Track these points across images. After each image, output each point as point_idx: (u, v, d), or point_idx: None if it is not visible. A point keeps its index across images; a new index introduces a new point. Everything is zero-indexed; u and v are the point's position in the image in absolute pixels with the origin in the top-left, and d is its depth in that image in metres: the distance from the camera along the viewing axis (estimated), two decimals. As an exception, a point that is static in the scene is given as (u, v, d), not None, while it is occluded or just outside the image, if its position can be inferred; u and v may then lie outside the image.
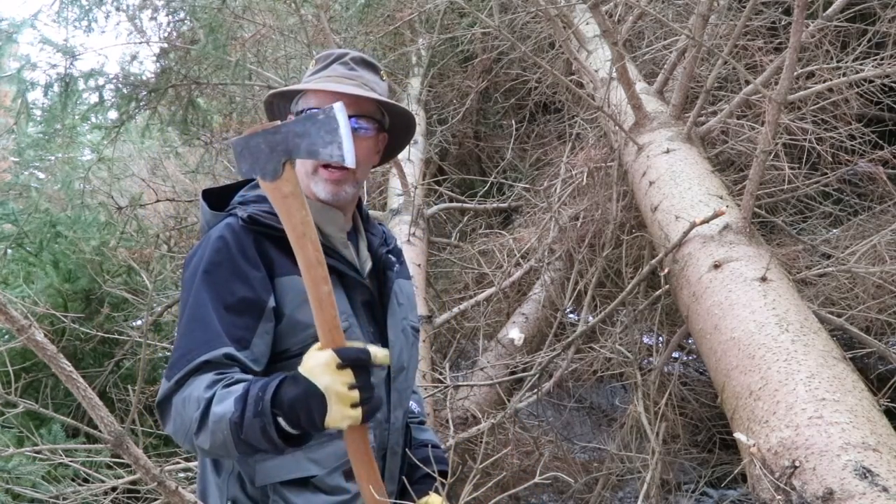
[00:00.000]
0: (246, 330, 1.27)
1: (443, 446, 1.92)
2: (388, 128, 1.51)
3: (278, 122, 1.21)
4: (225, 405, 1.17)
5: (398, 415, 1.49)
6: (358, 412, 1.14)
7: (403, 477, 1.51)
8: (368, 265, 1.49)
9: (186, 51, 5.07)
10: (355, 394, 1.14)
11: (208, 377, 1.21)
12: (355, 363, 1.16)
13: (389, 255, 1.55)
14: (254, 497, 1.33)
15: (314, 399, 1.13)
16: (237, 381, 1.21)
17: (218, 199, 1.45)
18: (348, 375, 1.15)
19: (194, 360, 1.23)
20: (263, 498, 1.33)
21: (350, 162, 1.18)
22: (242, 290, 1.28)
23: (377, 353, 1.19)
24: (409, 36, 5.60)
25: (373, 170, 1.86)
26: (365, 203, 1.61)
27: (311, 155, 1.19)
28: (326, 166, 1.38)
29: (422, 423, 1.70)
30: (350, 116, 1.36)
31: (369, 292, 1.46)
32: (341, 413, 1.13)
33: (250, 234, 1.33)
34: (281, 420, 1.14)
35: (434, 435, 1.73)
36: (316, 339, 1.23)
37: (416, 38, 5.62)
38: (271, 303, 1.30)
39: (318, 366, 1.15)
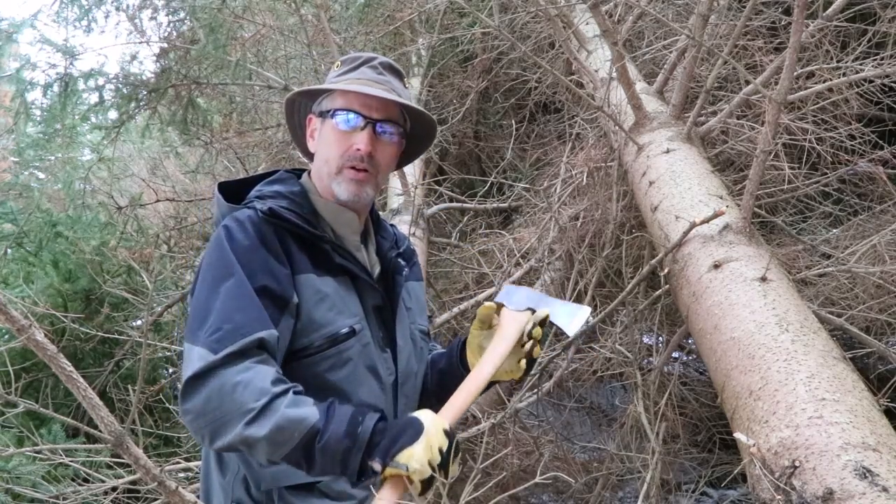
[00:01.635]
0: (274, 320, 1.26)
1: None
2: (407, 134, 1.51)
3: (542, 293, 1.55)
4: (305, 410, 1.17)
5: None
6: (427, 470, 1.15)
7: None
8: (378, 269, 1.49)
9: (186, 51, 5.07)
10: (438, 457, 1.16)
11: (272, 371, 1.19)
12: (452, 440, 1.19)
13: (399, 259, 1.54)
14: (258, 500, 1.33)
15: (411, 429, 1.17)
16: (302, 392, 1.22)
17: (233, 192, 1.44)
18: (445, 442, 1.18)
19: (249, 335, 1.19)
20: (268, 501, 1.32)
21: (570, 333, 1.48)
22: (268, 279, 1.26)
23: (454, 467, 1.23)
24: (409, 36, 5.60)
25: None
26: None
27: (550, 315, 1.47)
28: (352, 167, 1.38)
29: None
30: (377, 121, 1.39)
31: (380, 296, 1.45)
32: (422, 455, 1.14)
33: (270, 227, 1.32)
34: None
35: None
36: (331, 338, 1.30)
37: (416, 38, 5.62)
38: (294, 299, 1.29)
39: (430, 415, 1.21)
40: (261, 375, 1.17)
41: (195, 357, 1.19)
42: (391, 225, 1.63)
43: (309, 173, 1.48)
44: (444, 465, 1.17)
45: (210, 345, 1.19)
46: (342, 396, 1.32)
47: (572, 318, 1.49)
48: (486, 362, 1.37)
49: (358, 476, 1.17)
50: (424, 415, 1.21)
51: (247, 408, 1.15)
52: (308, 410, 1.17)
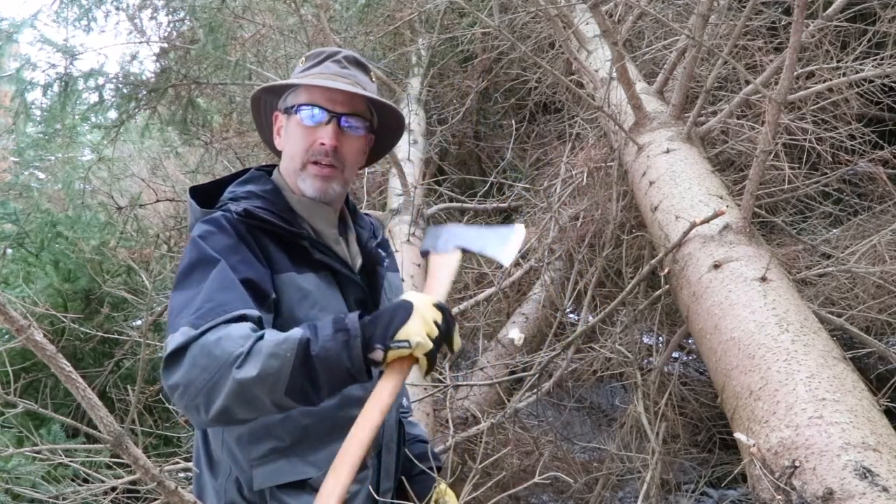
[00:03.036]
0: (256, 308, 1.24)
1: (430, 440, 1.94)
2: (375, 128, 1.49)
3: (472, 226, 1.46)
4: (287, 334, 1.13)
5: (392, 412, 1.48)
6: (429, 342, 1.15)
7: (400, 474, 1.51)
8: (359, 261, 1.48)
9: (186, 51, 5.07)
10: (436, 330, 1.17)
11: (248, 324, 1.16)
12: (447, 312, 1.20)
13: (379, 250, 1.53)
14: (251, 501, 1.32)
15: (401, 310, 1.16)
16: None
17: (206, 196, 1.42)
18: (438, 315, 1.19)
19: (231, 311, 1.17)
20: (261, 501, 1.32)
21: (506, 263, 1.40)
22: (250, 272, 1.25)
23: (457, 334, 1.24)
24: (409, 36, 5.60)
25: (370, 169, 1.86)
26: (364, 203, 1.60)
27: (480, 249, 1.41)
28: (316, 162, 1.37)
29: (408, 415, 1.70)
30: (341, 115, 1.37)
31: (361, 290, 1.44)
32: (419, 329, 1.14)
33: (246, 227, 1.31)
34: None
35: (422, 428, 1.73)
36: None
37: (416, 38, 5.62)
38: (272, 295, 1.28)
39: (416, 294, 1.21)
40: (238, 327, 1.14)
41: (177, 336, 1.16)
42: (366, 214, 1.62)
43: (279, 170, 1.47)
44: (445, 337, 1.18)
45: (191, 321, 1.16)
46: None
47: (505, 244, 1.42)
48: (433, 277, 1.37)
49: (366, 364, 1.15)
50: (410, 294, 1.21)
51: (233, 355, 1.11)
52: (289, 334, 1.14)
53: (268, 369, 1.10)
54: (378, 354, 1.13)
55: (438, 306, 1.20)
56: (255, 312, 1.20)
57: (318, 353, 1.11)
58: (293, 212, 1.40)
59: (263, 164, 1.53)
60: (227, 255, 1.25)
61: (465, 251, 1.42)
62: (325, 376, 1.13)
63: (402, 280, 2.34)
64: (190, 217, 1.42)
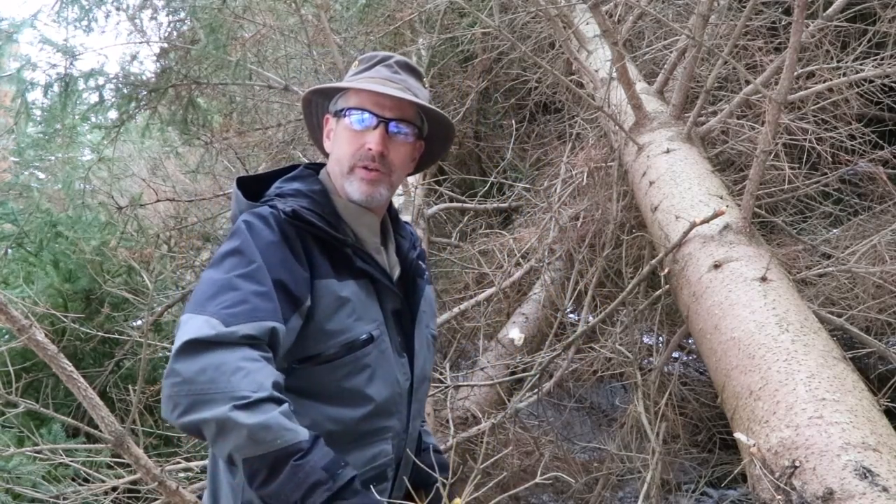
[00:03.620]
0: (285, 317, 1.22)
1: (442, 448, 1.93)
2: (425, 135, 1.48)
3: None
4: (297, 427, 1.12)
5: (416, 424, 1.47)
6: None
7: (405, 478, 1.50)
8: (397, 271, 1.47)
9: (186, 51, 5.07)
10: None
11: (275, 375, 1.14)
12: None
13: (419, 262, 1.52)
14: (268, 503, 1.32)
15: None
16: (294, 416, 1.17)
17: (250, 189, 1.41)
18: None
19: (265, 321, 1.15)
20: None
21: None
22: (285, 275, 1.23)
23: None
24: (409, 36, 5.60)
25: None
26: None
27: None
28: (364, 167, 1.36)
29: (424, 424, 1.69)
30: (390, 120, 1.36)
31: (399, 300, 1.43)
32: None
33: (293, 228, 1.29)
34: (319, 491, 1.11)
35: (432, 436, 1.72)
36: (348, 345, 1.28)
37: (416, 38, 5.62)
38: (307, 302, 1.26)
39: None
40: (265, 373, 1.12)
41: (201, 322, 1.13)
42: (407, 223, 1.60)
43: (327, 171, 1.46)
44: None
45: (223, 316, 1.13)
46: (359, 400, 1.31)
47: None
48: None
49: None
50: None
51: (240, 394, 1.08)
52: (299, 428, 1.12)
53: (256, 432, 1.08)
54: None
55: None
56: (283, 327, 1.18)
57: (296, 465, 1.10)
58: (338, 216, 1.38)
59: (274, 166, 1.52)
60: (268, 252, 1.23)
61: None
62: (280, 482, 1.10)
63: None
64: (234, 208, 1.40)
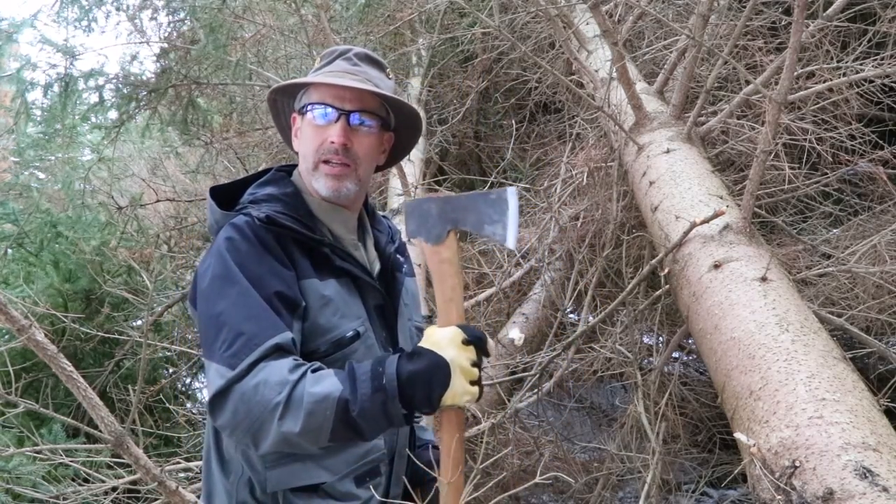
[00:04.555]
0: (288, 324, 1.24)
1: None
2: (393, 127, 1.47)
3: (452, 194, 1.31)
4: (327, 384, 1.15)
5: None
6: (476, 389, 1.16)
7: (405, 478, 1.50)
8: (377, 266, 1.47)
9: (186, 51, 5.07)
10: (476, 371, 1.17)
11: (287, 361, 1.18)
12: (478, 341, 1.19)
13: (398, 256, 1.52)
14: (263, 502, 1.32)
15: (439, 371, 1.15)
16: (321, 368, 1.20)
17: (227, 196, 1.41)
18: (472, 352, 1.18)
19: (263, 343, 1.18)
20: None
21: (511, 244, 1.26)
22: (279, 284, 1.25)
23: (489, 340, 1.23)
24: (409, 36, 5.60)
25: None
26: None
27: (476, 228, 1.28)
28: (327, 161, 1.36)
29: (419, 420, 1.69)
30: (350, 112, 1.35)
31: (381, 295, 1.44)
32: (463, 387, 1.15)
33: (270, 234, 1.30)
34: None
35: (430, 433, 1.72)
36: (336, 342, 1.29)
37: (416, 38, 5.62)
38: (302, 303, 1.28)
39: (444, 339, 1.18)
40: (276, 369, 1.16)
41: (214, 374, 1.19)
42: (384, 216, 1.60)
43: (298, 170, 1.46)
44: (481, 368, 1.19)
45: (226, 360, 1.18)
46: None
47: (503, 217, 1.26)
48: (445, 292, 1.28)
49: (406, 419, 1.17)
50: (438, 343, 1.18)
51: (272, 404, 1.14)
52: (330, 384, 1.15)
53: (309, 426, 1.14)
54: (424, 419, 1.15)
55: (468, 340, 1.18)
56: (287, 335, 1.21)
57: (357, 413, 1.13)
58: (313, 216, 1.39)
59: (283, 164, 1.51)
60: (252, 267, 1.25)
61: (460, 232, 1.31)
62: (368, 428, 1.16)
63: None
64: (209, 218, 1.41)
